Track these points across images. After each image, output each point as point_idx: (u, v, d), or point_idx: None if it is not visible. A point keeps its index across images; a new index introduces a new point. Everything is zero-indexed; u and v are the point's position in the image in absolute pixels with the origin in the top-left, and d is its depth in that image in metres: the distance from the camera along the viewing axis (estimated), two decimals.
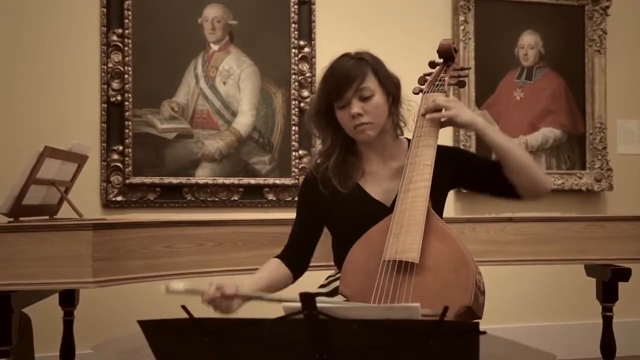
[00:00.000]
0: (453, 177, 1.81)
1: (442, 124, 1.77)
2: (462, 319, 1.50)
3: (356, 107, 1.73)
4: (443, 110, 1.74)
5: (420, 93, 1.86)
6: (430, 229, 1.61)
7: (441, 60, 1.94)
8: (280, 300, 1.33)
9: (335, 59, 1.80)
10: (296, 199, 3.29)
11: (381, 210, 1.73)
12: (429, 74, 1.91)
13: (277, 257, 1.85)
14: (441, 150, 1.76)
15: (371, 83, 1.75)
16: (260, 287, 1.70)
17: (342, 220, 1.80)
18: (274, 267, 1.82)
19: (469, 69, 2.01)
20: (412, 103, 1.84)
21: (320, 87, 1.79)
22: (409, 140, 1.85)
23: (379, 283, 1.56)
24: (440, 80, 1.86)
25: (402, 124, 1.84)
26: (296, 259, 1.85)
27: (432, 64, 1.94)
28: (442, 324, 0.98)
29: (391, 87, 1.79)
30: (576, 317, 3.65)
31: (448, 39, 1.95)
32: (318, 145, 1.90)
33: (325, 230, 1.88)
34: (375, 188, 1.81)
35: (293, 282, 1.84)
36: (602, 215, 3.42)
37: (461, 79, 1.91)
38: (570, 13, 3.76)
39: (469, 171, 1.81)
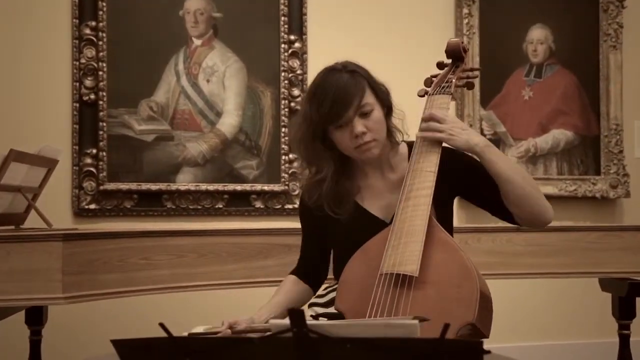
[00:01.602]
0: (455, 184, 1.82)
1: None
2: (466, 337, 1.50)
3: (359, 125, 1.73)
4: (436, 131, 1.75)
5: (426, 95, 1.88)
6: (431, 239, 1.62)
7: (449, 61, 1.96)
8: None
9: (323, 75, 1.77)
10: (286, 206, 3.34)
11: (381, 227, 1.74)
12: (436, 75, 1.93)
13: (292, 272, 1.92)
14: (448, 153, 1.77)
15: (369, 98, 1.76)
16: (279, 312, 1.75)
17: (340, 241, 1.84)
18: (291, 286, 1.88)
19: (479, 69, 2.01)
20: (398, 112, 1.85)
21: (313, 108, 1.75)
22: (407, 144, 1.87)
23: (376, 298, 1.57)
24: (447, 82, 1.88)
25: (397, 134, 1.85)
26: (312, 270, 1.92)
27: (440, 65, 1.96)
28: (443, 342, 0.98)
29: (384, 97, 1.81)
30: (590, 336, 3.66)
31: (457, 39, 1.97)
32: (305, 170, 1.88)
33: None
34: (374, 203, 1.83)
35: (314, 294, 1.91)
36: (618, 225, 3.45)
37: (469, 80, 1.93)
38: (583, 5, 3.78)
39: (471, 183, 1.82)
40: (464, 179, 1.82)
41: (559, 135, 3.74)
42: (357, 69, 1.78)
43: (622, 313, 2.62)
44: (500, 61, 3.65)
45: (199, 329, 1.61)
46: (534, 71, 3.72)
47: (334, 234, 1.85)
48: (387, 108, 1.82)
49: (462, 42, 1.95)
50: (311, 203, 1.83)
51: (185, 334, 1.56)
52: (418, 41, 3.49)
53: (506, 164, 1.73)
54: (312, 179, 1.83)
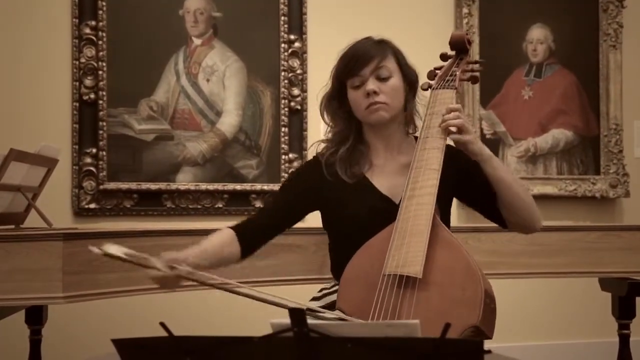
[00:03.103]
0: (455, 184, 1.82)
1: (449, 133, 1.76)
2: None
3: (372, 84, 1.77)
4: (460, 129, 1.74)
5: (430, 90, 1.87)
6: (435, 239, 1.61)
7: (453, 53, 1.94)
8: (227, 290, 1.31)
9: (355, 41, 1.85)
10: None
11: (388, 206, 1.75)
12: (439, 68, 1.92)
13: (233, 228, 1.81)
14: (451, 152, 1.77)
15: (390, 64, 1.80)
16: (207, 261, 1.67)
17: (345, 213, 1.80)
18: (225, 241, 1.77)
19: (483, 62, 2.01)
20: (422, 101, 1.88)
21: (335, 67, 1.84)
22: (416, 139, 1.86)
23: (379, 299, 1.56)
24: (451, 76, 1.86)
25: (415, 121, 1.88)
26: (254, 239, 1.83)
27: (444, 57, 1.94)
28: (443, 342, 0.98)
29: (410, 75, 1.84)
30: (590, 335, 3.66)
31: (461, 31, 1.96)
32: (327, 132, 1.91)
33: (314, 240, 1.89)
34: (383, 182, 1.82)
35: (237, 263, 1.81)
36: (618, 224, 3.45)
37: (474, 73, 1.91)
38: (583, 5, 3.78)
39: (467, 183, 1.83)
40: (464, 179, 1.82)
41: (558, 135, 3.74)
42: (388, 41, 1.85)
43: (622, 313, 2.62)
44: (500, 61, 3.65)
45: (116, 249, 1.50)
46: (534, 71, 3.72)
47: (337, 209, 1.81)
48: (411, 87, 1.84)
49: (467, 34, 1.93)
50: (327, 155, 1.82)
51: (97, 250, 1.47)
52: (418, 40, 3.47)
53: (508, 173, 1.80)
54: (335, 135, 1.85)
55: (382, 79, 1.78)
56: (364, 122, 1.84)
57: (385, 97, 1.77)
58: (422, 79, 1.91)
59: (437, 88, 1.85)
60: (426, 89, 1.88)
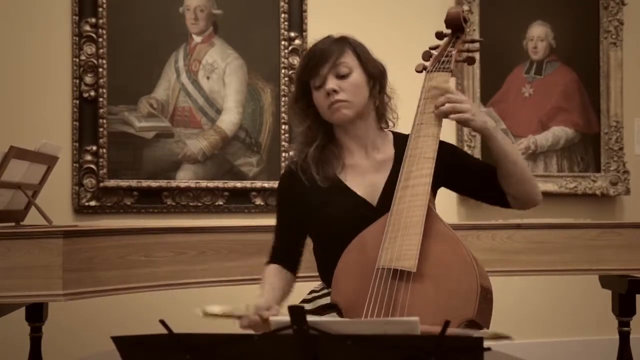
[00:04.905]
0: (445, 172, 1.76)
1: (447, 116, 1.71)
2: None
3: (331, 83, 1.74)
4: (455, 108, 1.69)
5: (424, 72, 1.80)
6: (430, 231, 1.58)
7: (449, 32, 1.87)
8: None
9: (316, 41, 1.83)
10: None
11: (364, 208, 1.72)
12: (435, 47, 1.85)
13: (272, 261, 1.84)
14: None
15: (349, 59, 1.77)
16: (278, 300, 1.72)
17: (322, 218, 1.78)
18: (280, 275, 1.81)
19: (481, 40, 1.94)
20: (396, 95, 1.84)
21: (297, 68, 1.84)
22: (395, 135, 1.85)
23: (373, 293, 1.54)
24: (447, 56, 1.80)
25: (389, 117, 1.84)
26: (292, 258, 1.84)
27: (440, 35, 1.88)
28: (443, 339, 0.98)
29: (373, 69, 1.80)
30: (590, 333, 3.66)
31: (457, 8, 1.89)
32: (297, 138, 1.89)
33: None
34: (358, 182, 1.78)
35: (295, 279, 1.85)
36: (619, 222, 3.45)
37: (470, 54, 1.84)
38: (583, 2, 3.78)
39: (458, 171, 1.80)
40: (451, 169, 1.78)
41: (559, 132, 3.74)
42: (347, 38, 1.81)
43: (622, 310, 2.62)
44: (500, 58, 3.65)
45: (215, 308, 1.52)
46: (534, 68, 3.72)
47: (313, 213, 1.79)
48: (376, 83, 1.80)
49: (463, 12, 1.85)
50: (297, 165, 1.80)
51: (199, 311, 1.49)
52: (418, 38, 3.46)
53: (512, 147, 1.76)
54: (303, 137, 1.83)
55: (342, 77, 1.75)
56: (330, 121, 1.80)
57: (345, 95, 1.74)
58: (412, 75, 1.86)
59: (431, 71, 1.78)
60: (420, 71, 1.81)
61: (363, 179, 1.78)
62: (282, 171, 1.93)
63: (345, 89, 1.74)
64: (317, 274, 1.86)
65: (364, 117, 1.80)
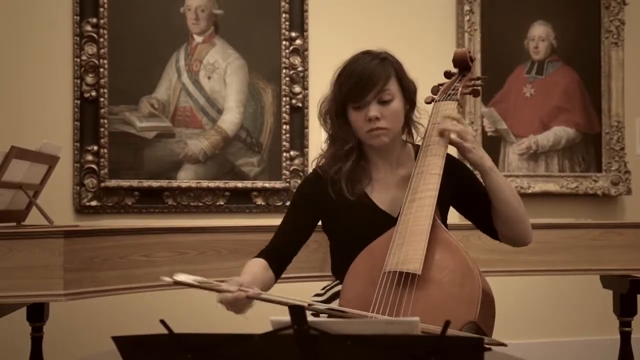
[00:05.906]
0: (454, 192, 1.85)
1: (452, 142, 1.79)
2: None
3: (374, 110, 1.76)
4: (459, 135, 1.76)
5: (433, 102, 1.92)
6: (435, 239, 1.65)
7: (456, 70, 2.00)
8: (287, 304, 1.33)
9: (357, 55, 1.82)
10: (287, 203, 3.33)
11: (386, 221, 1.77)
12: (443, 84, 1.98)
13: (261, 256, 1.85)
14: (452, 161, 1.82)
15: (393, 87, 1.79)
16: (258, 287, 1.69)
17: (345, 229, 1.84)
18: (263, 271, 1.81)
19: (486, 78, 2.06)
20: (420, 111, 1.90)
21: (337, 84, 1.81)
22: (414, 146, 1.91)
23: (379, 295, 1.59)
24: (453, 90, 1.92)
25: (414, 132, 1.90)
26: (281, 260, 1.86)
27: (448, 74, 2.00)
28: (444, 339, 0.98)
29: (411, 94, 1.84)
30: (591, 333, 3.66)
31: (464, 48, 2.00)
32: (324, 144, 1.92)
33: (314, 237, 1.90)
34: (383, 197, 1.84)
35: (272, 285, 1.85)
36: (620, 222, 3.44)
37: (476, 87, 1.96)
38: (584, 2, 3.78)
39: (465, 194, 1.87)
40: (463, 189, 1.86)
41: (560, 132, 3.73)
42: (389, 57, 1.82)
43: (624, 310, 2.62)
44: (501, 58, 3.65)
45: (186, 278, 1.51)
46: (536, 68, 3.72)
47: (338, 222, 1.85)
48: (410, 103, 1.85)
49: (469, 52, 1.98)
50: (329, 177, 1.82)
51: (168, 279, 1.47)
52: (419, 38, 3.48)
53: (507, 186, 1.79)
54: (338, 151, 1.84)
55: (384, 102, 1.77)
56: (365, 142, 1.84)
57: (386, 123, 1.78)
58: (420, 79, 1.91)
59: (439, 100, 1.89)
60: (429, 103, 1.92)
61: (387, 193, 1.85)
62: (308, 175, 1.94)
63: (386, 116, 1.78)
64: (326, 274, 1.93)
65: (395, 137, 1.85)
